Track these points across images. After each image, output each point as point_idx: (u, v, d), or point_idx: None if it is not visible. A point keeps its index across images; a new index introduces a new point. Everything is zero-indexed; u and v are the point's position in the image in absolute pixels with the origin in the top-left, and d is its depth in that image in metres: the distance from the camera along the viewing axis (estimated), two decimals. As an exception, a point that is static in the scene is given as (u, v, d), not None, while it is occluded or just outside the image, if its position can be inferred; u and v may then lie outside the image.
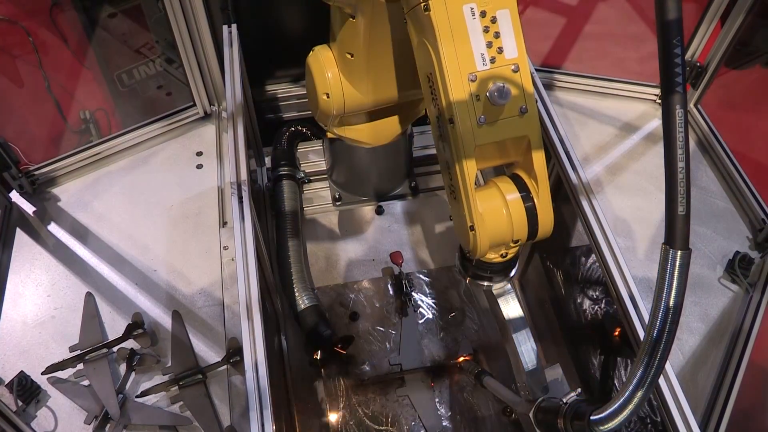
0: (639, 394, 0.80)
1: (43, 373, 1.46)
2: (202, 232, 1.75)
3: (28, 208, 1.78)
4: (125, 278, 1.65)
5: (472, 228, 1.07)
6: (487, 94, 1.00)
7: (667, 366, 1.15)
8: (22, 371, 1.44)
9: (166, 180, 1.87)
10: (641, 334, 1.21)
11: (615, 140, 2.01)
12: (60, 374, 1.47)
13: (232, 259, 1.65)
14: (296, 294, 1.65)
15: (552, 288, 1.78)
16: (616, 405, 0.83)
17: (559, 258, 1.77)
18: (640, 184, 1.88)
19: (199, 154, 1.95)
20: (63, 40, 2.58)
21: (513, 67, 1.02)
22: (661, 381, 1.15)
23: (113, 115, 2.43)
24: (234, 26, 1.71)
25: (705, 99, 2.03)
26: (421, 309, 1.74)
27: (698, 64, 1.95)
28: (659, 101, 2.12)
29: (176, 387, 1.44)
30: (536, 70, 1.55)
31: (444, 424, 1.56)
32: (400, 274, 1.76)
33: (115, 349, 1.50)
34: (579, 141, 2.00)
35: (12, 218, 1.77)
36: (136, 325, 1.52)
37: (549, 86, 2.15)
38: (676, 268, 0.77)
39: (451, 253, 1.86)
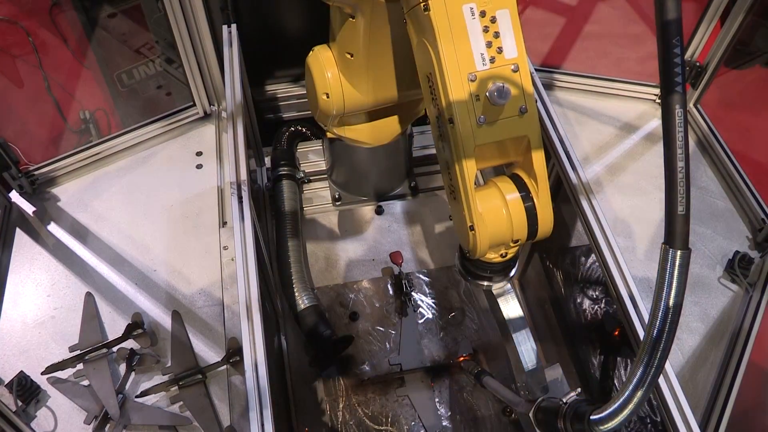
0: (639, 394, 0.80)
1: (42, 373, 1.46)
2: (201, 232, 1.75)
3: (28, 208, 1.78)
4: (125, 278, 1.65)
5: (471, 228, 1.07)
6: (487, 93, 0.99)
7: (667, 366, 1.15)
8: (21, 371, 1.44)
9: (166, 180, 1.87)
10: (641, 333, 1.21)
11: (615, 140, 2.01)
12: (60, 374, 1.47)
13: (232, 259, 1.65)
14: (296, 294, 1.65)
15: (552, 288, 1.78)
16: (615, 405, 0.83)
17: (559, 258, 1.77)
18: (639, 184, 1.88)
19: (199, 154, 1.95)
20: (63, 40, 2.58)
21: (513, 66, 1.02)
22: (661, 381, 1.15)
23: (113, 115, 2.43)
24: (234, 26, 1.71)
25: (705, 99, 2.03)
26: (420, 309, 1.74)
27: (698, 64, 1.95)
28: (659, 101, 2.11)
29: (176, 387, 1.44)
30: (536, 70, 1.55)
31: (444, 423, 1.57)
32: (400, 274, 1.76)
33: (114, 349, 1.50)
34: (579, 141, 1.99)
35: (12, 218, 1.77)
36: (136, 325, 1.52)
37: (549, 86, 2.15)
38: (676, 267, 0.77)
39: (450, 253, 1.86)
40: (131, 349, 1.49)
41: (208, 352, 1.52)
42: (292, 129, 2.04)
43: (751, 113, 2.52)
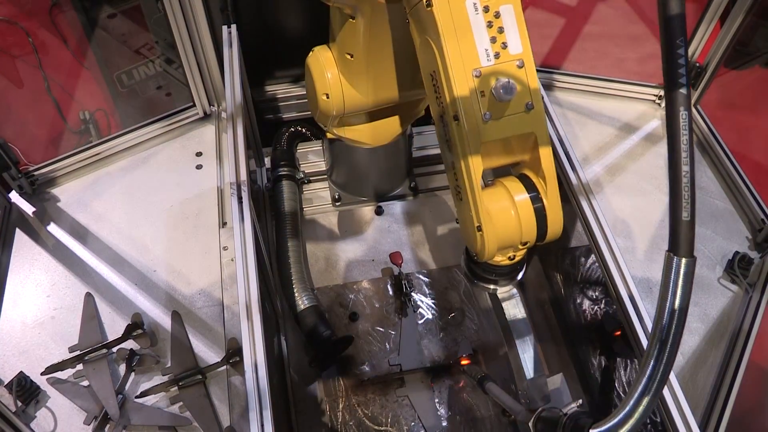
0: (640, 408, 0.78)
1: (42, 374, 1.46)
2: (201, 232, 1.75)
3: (28, 208, 1.78)
4: (125, 279, 1.65)
5: (479, 228, 1.05)
6: (492, 89, 0.98)
7: (667, 366, 1.15)
8: (21, 372, 1.44)
9: (166, 180, 1.87)
10: (641, 334, 1.21)
11: (614, 140, 2.01)
12: (59, 375, 1.47)
13: (232, 260, 1.65)
14: (296, 294, 1.65)
15: (551, 288, 1.78)
16: (617, 418, 0.80)
17: (559, 258, 1.77)
18: (639, 185, 1.88)
19: (199, 154, 1.95)
20: (63, 40, 2.58)
21: (518, 62, 1.01)
22: (661, 381, 1.15)
23: (113, 116, 2.43)
24: (234, 27, 1.71)
25: (704, 99, 2.03)
26: (420, 309, 1.74)
27: (698, 65, 1.95)
28: (658, 101, 2.12)
29: (176, 387, 1.44)
30: (536, 70, 1.54)
31: (444, 424, 1.56)
32: (400, 275, 1.76)
33: (114, 349, 1.50)
34: (578, 141, 2.00)
35: (11, 219, 1.77)
36: (136, 326, 1.52)
37: (548, 86, 2.15)
38: (681, 276, 0.74)
39: (450, 254, 1.86)
40: (131, 349, 1.49)
41: (207, 353, 1.52)
42: (292, 129, 2.04)
43: (751, 113, 2.52)
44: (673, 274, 0.74)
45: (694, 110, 2.05)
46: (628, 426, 0.79)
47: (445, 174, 1.16)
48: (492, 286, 1.24)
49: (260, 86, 2.11)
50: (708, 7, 1.82)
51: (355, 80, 1.45)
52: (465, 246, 1.24)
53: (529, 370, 1.20)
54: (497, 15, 0.99)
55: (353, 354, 1.66)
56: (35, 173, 1.83)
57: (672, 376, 1.16)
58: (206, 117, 2.04)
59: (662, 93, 2.09)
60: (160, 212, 1.79)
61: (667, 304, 0.75)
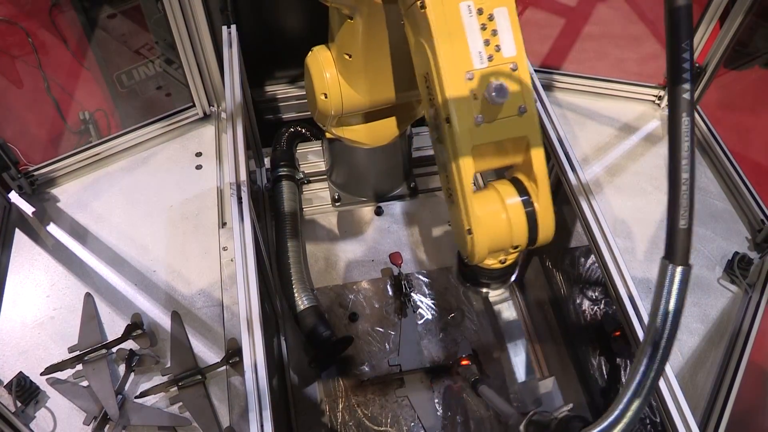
0: (633, 408, 0.78)
1: (42, 374, 1.46)
2: (201, 232, 1.75)
3: (28, 208, 1.78)
4: (124, 279, 1.65)
5: (469, 231, 1.05)
6: (485, 92, 0.97)
7: (667, 366, 1.15)
8: (21, 372, 1.44)
9: (166, 181, 1.87)
10: (640, 334, 1.21)
11: (614, 141, 2.01)
12: (59, 375, 1.47)
13: (232, 260, 1.65)
14: (295, 295, 1.65)
15: (551, 289, 1.78)
16: (606, 423, 0.80)
17: (559, 259, 1.77)
18: (639, 185, 1.88)
19: (199, 154, 1.95)
20: (62, 40, 2.58)
21: (511, 65, 1.00)
22: (661, 381, 1.15)
23: (112, 116, 2.43)
24: (233, 27, 1.71)
25: (704, 99, 2.03)
26: (420, 310, 1.74)
27: (697, 65, 1.95)
28: (658, 102, 2.12)
29: (175, 388, 1.44)
30: (535, 70, 1.54)
31: (443, 424, 1.56)
32: (400, 275, 1.76)
33: (114, 349, 1.50)
34: (578, 142, 2.00)
35: (11, 219, 1.77)
36: (136, 326, 1.52)
37: (548, 87, 2.15)
38: (675, 284, 0.73)
39: (450, 254, 1.86)
40: (131, 349, 1.49)
41: (207, 353, 1.52)
42: (292, 130, 2.04)
43: (751, 114, 2.52)
44: (667, 282, 0.73)
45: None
46: (617, 430, 0.79)
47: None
48: (484, 290, 1.23)
49: (260, 86, 2.11)
50: (708, 7, 1.82)
51: (353, 80, 1.45)
52: (458, 250, 1.23)
53: (520, 374, 1.19)
54: (491, 17, 0.99)
55: (353, 354, 1.66)
56: (35, 173, 1.83)
57: (672, 377, 1.16)
58: (206, 117, 2.04)
59: (662, 93, 2.09)
60: (159, 212, 1.79)
61: (660, 311, 0.74)
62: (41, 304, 1.59)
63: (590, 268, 1.67)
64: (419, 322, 1.72)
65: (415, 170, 2.04)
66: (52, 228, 1.76)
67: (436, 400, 1.60)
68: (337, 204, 1.98)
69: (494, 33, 0.99)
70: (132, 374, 1.48)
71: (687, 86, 0.67)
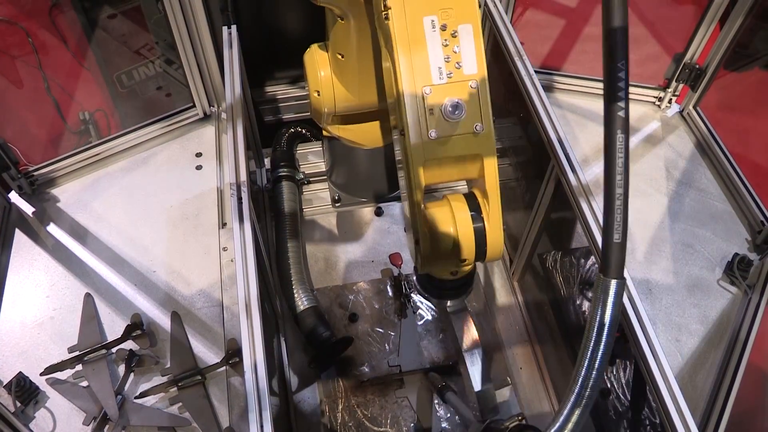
0: (575, 416, 0.79)
1: (41, 374, 1.46)
2: (201, 233, 1.75)
3: (27, 208, 1.78)
4: (124, 279, 1.65)
5: (417, 242, 1.05)
6: (441, 108, 0.97)
7: (666, 367, 1.15)
8: (20, 372, 1.44)
9: (166, 181, 1.87)
10: (640, 335, 1.21)
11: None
12: (59, 375, 1.47)
13: (232, 260, 1.65)
14: (295, 295, 1.65)
15: (551, 290, 1.78)
16: (553, 430, 0.81)
17: (558, 259, 1.77)
18: (638, 186, 1.88)
19: (199, 155, 1.95)
20: (62, 41, 2.58)
21: (471, 83, 0.99)
22: (660, 382, 1.15)
23: (112, 116, 2.43)
24: (234, 27, 1.71)
25: (704, 101, 2.03)
26: (420, 310, 1.74)
27: (697, 66, 1.95)
28: (658, 103, 2.12)
29: (175, 388, 1.44)
30: (536, 71, 1.55)
31: (443, 425, 1.56)
32: (400, 276, 1.76)
33: (114, 350, 1.50)
34: (578, 143, 2.00)
35: (11, 219, 1.77)
36: (135, 326, 1.52)
37: (548, 88, 2.15)
38: (609, 297, 0.75)
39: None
40: (130, 350, 1.49)
41: (207, 353, 1.52)
42: (292, 130, 2.04)
43: (751, 115, 2.52)
44: (601, 295, 0.75)
45: (693, 112, 2.05)
46: None
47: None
48: (437, 300, 1.24)
49: (260, 87, 2.11)
50: (708, 8, 1.82)
51: (345, 80, 1.45)
52: None
53: (476, 383, 1.20)
54: (454, 34, 0.98)
55: (353, 355, 1.66)
56: (35, 173, 1.83)
57: (671, 378, 1.16)
58: (206, 118, 2.04)
59: (662, 95, 2.09)
60: (159, 213, 1.79)
61: (596, 322, 0.76)
62: (41, 305, 1.59)
63: (590, 269, 1.67)
64: (419, 323, 1.72)
65: (415, 171, 2.04)
66: (52, 228, 1.76)
67: (436, 401, 1.60)
68: (337, 204, 1.98)
69: (456, 50, 0.99)
70: (132, 374, 1.48)
71: (622, 104, 0.69)
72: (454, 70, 0.99)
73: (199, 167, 1.91)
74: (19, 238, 1.73)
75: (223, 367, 1.48)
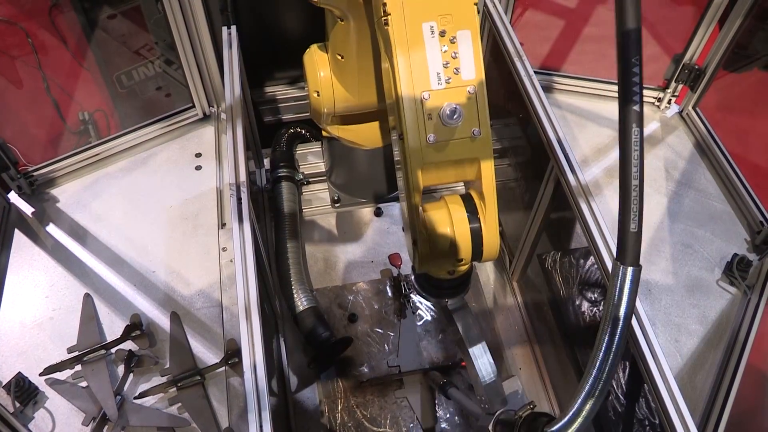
0: (588, 405, 0.81)
1: (41, 375, 1.46)
2: (200, 233, 1.75)
3: (27, 209, 1.78)
4: (124, 279, 1.65)
5: (414, 242, 1.07)
6: (440, 113, 0.98)
7: (666, 368, 1.16)
8: (20, 372, 1.44)
9: (165, 181, 1.87)
10: (639, 336, 1.21)
11: (613, 142, 2.01)
12: (58, 375, 1.47)
13: (231, 261, 1.65)
14: (295, 295, 1.65)
15: (550, 290, 1.78)
16: (566, 418, 0.83)
17: (558, 260, 1.77)
18: (638, 187, 1.88)
19: (198, 155, 1.95)
20: (62, 41, 2.58)
21: (469, 88, 1.01)
22: (660, 383, 1.15)
23: (112, 117, 2.43)
24: (233, 28, 1.71)
25: (703, 101, 2.04)
26: (419, 311, 1.74)
27: (697, 67, 1.95)
28: (657, 104, 2.12)
29: (174, 388, 1.44)
30: (535, 72, 1.55)
31: (442, 426, 1.56)
32: (399, 276, 1.76)
33: (113, 350, 1.50)
34: (578, 143, 2.00)
35: (10, 219, 1.77)
36: (135, 327, 1.52)
37: (548, 89, 2.15)
38: (627, 283, 0.77)
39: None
40: (130, 350, 1.49)
41: (206, 354, 1.52)
42: (292, 131, 2.04)
43: (750, 116, 2.52)
44: (619, 282, 0.77)
45: (693, 112, 2.05)
46: (575, 425, 0.83)
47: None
48: (434, 299, 1.25)
49: (260, 87, 2.11)
50: (707, 9, 1.82)
51: (345, 81, 1.46)
52: None
53: (483, 376, 1.21)
54: (453, 40, 0.99)
55: (352, 355, 1.66)
56: (34, 174, 1.83)
57: (670, 379, 1.16)
58: (206, 118, 2.04)
59: (661, 95, 2.10)
60: (159, 213, 1.79)
61: (612, 311, 0.78)
62: (40, 305, 1.59)
63: (589, 270, 1.67)
64: (418, 324, 1.72)
65: (414, 171, 2.04)
66: (52, 228, 1.76)
67: (435, 401, 1.60)
68: (336, 205, 1.98)
69: (455, 55, 1.00)
70: (131, 375, 1.48)
71: (637, 98, 0.70)
72: (452, 76, 1.00)
73: (198, 167, 1.91)
74: (19, 238, 1.73)
75: (223, 368, 1.48)
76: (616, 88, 0.72)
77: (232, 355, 1.48)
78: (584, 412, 0.81)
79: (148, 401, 1.44)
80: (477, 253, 1.09)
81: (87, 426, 1.39)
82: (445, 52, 1.00)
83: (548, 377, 1.68)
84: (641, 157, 0.73)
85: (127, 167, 1.92)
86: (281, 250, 1.74)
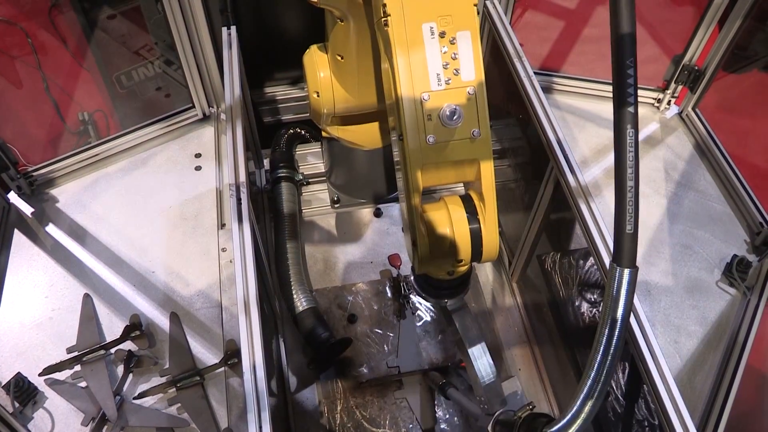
0: (587, 406, 0.81)
1: (40, 375, 1.45)
2: (200, 233, 1.75)
3: (26, 209, 1.78)
4: (123, 280, 1.65)
5: (414, 243, 1.07)
6: (439, 114, 0.98)
7: (665, 369, 1.16)
8: (19, 373, 1.44)
9: (165, 182, 1.87)
10: (639, 336, 1.21)
11: (613, 143, 2.01)
12: (57, 376, 1.47)
13: (231, 261, 1.65)
14: (294, 296, 1.65)
15: (550, 291, 1.78)
16: (566, 419, 0.83)
17: (558, 260, 1.77)
18: (638, 188, 1.88)
19: (198, 155, 1.95)
20: (62, 41, 2.58)
21: (469, 89, 1.01)
22: (659, 384, 1.15)
23: (112, 117, 2.43)
24: (233, 28, 1.71)
25: (703, 102, 2.04)
26: (419, 311, 1.74)
27: (696, 68, 1.95)
28: (657, 104, 2.12)
29: (174, 389, 1.44)
30: (535, 73, 1.55)
31: (442, 426, 1.56)
32: (399, 277, 1.76)
33: (112, 350, 1.50)
34: (577, 144, 2.00)
35: (10, 219, 1.76)
36: (134, 327, 1.52)
37: (547, 89, 2.15)
38: (623, 285, 0.78)
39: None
40: (129, 350, 1.49)
41: (206, 354, 1.52)
42: (291, 131, 2.04)
43: (750, 117, 2.52)
44: (616, 284, 0.78)
45: (692, 113, 2.05)
46: (575, 426, 0.83)
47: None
48: (433, 300, 1.25)
49: (259, 88, 2.11)
50: (707, 10, 1.82)
51: (345, 81, 1.46)
52: None
53: (483, 377, 1.21)
54: (453, 41, 0.99)
55: (351, 356, 1.66)
56: (34, 174, 1.83)
57: (670, 380, 1.16)
58: (205, 118, 2.04)
59: (661, 96, 2.10)
60: (158, 213, 1.79)
61: (610, 310, 0.79)
62: (40, 305, 1.59)
63: (589, 270, 1.67)
64: (418, 324, 1.72)
65: (414, 172, 2.04)
66: (51, 228, 1.76)
67: (435, 402, 1.60)
68: (336, 205, 1.98)
69: (454, 56, 1.00)
70: (130, 375, 1.48)
71: (632, 100, 0.72)
72: (452, 77, 1.00)
73: (198, 168, 1.91)
74: (18, 238, 1.73)
75: (222, 368, 1.48)
76: (613, 89, 0.73)
77: (232, 356, 1.48)
78: (583, 414, 0.81)
79: (148, 401, 1.44)
80: (476, 253, 1.09)
81: (86, 426, 1.39)
82: (445, 53, 1.00)
83: (548, 378, 1.68)
84: (636, 159, 0.73)
85: (127, 167, 1.92)
86: (281, 251, 1.74)
